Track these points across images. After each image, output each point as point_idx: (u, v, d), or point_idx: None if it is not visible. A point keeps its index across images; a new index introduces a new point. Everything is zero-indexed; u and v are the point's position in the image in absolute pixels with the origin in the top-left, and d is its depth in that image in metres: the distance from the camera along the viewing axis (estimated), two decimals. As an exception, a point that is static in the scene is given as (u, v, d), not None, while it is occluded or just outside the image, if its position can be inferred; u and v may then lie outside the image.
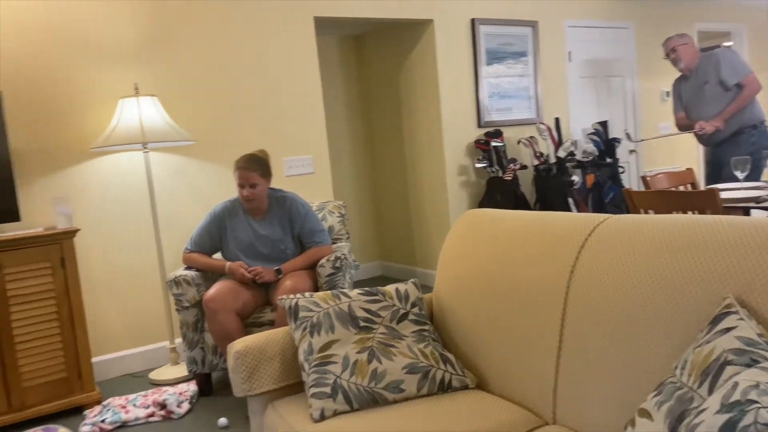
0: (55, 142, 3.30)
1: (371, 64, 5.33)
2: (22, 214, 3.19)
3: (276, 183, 3.96)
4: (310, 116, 4.11)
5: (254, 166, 2.90)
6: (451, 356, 1.74)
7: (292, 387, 1.80)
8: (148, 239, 3.55)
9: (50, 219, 3.28)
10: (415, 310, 1.83)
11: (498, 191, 4.57)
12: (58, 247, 2.89)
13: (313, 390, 1.61)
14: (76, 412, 2.95)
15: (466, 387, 1.70)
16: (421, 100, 4.82)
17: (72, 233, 2.93)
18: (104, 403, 2.93)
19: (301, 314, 1.75)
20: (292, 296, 1.81)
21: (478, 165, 4.58)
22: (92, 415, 2.82)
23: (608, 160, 4.92)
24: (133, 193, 3.51)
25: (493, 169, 4.59)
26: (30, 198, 3.24)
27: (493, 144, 4.59)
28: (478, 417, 1.49)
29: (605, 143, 4.95)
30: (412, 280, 1.94)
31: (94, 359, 3.38)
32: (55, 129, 3.30)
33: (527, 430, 1.47)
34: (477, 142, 4.68)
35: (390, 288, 1.87)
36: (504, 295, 1.65)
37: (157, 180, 3.58)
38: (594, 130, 5.01)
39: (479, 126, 4.80)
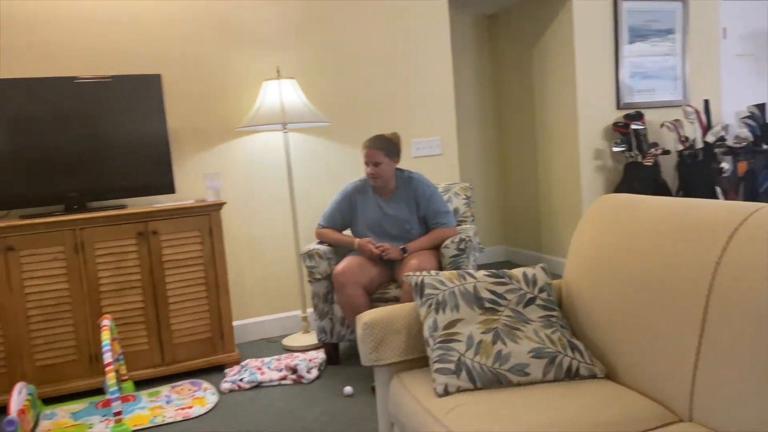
0: (207, 122, 3.59)
1: (504, 43, 5.22)
2: (177, 188, 3.52)
3: (404, 164, 4.03)
4: (439, 97, 4.12)
5: (379, 145, 2.98)
6: (579, 344, 1.69)
7: (417, 361, 1.85)
8: (284, 214, 3.77)
9: (201, 192, 3.58)
10: (543, 295, 1.80)
11: (636, 177, 4.32)
12: (207, 218, 3.15)
13: (437, 365, 1.64)
14: (217, 369, 3.23)
15: (594, 376, 1.65)
16: (555, 80, 4.65)
17: (219, 206, 3.18)
18: (242, 363, 3.17)
19: (427, 291, 1.79)
20: (418, 273, 1.85)
21: (615, 149, 4.35)
22: (232, 373, 3.07)
23: (765, 146, 4.47)
24: (273, 171, 3.73)
25: (632, 154, 4.34)
26: (184, 173, 3.55)
27: (633, 127, 4.34)
28: (607, 407, 1.45)
29: (762, 128, 4.50)
30: (541, 264, 1.91)
31: (234, 323, 3.67)
32: (207, 110, 3.58)
33: (660, 424, 1.41)
34: (615, 124, 4.44)
35: (517, 271, 1.86)
36: (640, 285, 1.58)
37: (295, 159, 3.77)
38: (749, 114, 4.57)
39: (618, 108, 4.56)
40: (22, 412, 2.49)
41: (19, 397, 2.52)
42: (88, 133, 3.12)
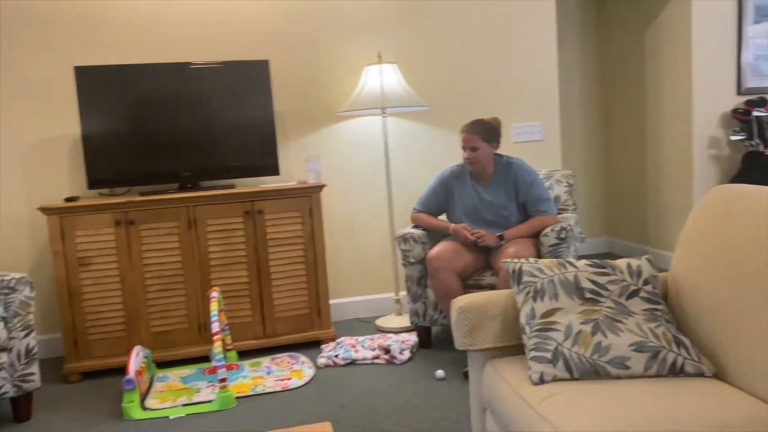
0: (310, 106, 3.70)
1: (613, 25, 4.98)
2: (281, 169, 3.67)
3: (504, 149, 3.96)
4: (542, 82, 4.01)
5: (477, 130, 2.94)
6: (686, 340, 1.61)
7: (512, 348, 1.83)
8: (380, 197, 3.83)
9: (303, 174, 3.71)
10: (648, 287, 1.73)
11: (756, 168, 4.01)
12: (307, 199, 3.27)
13: (533, 353, 1.62)
14: (314, 345, 3.35)
15: (701, 374, 1.57)
16: (669, 64, 4.39)
17: (320, 188, 3.28)
18: (338, 340, 3.28)
19: (525, 279, 1.76)
20: (516, 260, 1.83)
21: (733, 137, 4.06)
22: (328, 349, 3.18)
23: None
24: (371, 155, 3.80)
25: (753, 143, 4.03)
26: (287, 155, 3.69)
27: (755, 114, 4.02)
28: (716, 407, 1.37)
29: None
30: (646, 256, 1.83)
31: (331, 301, 3.79)
32: (311, 94, 3.69)
33: (774, 431, 1.32)
34: (735, 111, 4.14)
35: (621, 262, 1.79)
36: (755, 281, 1.48)
37: (392, 143, 3.82)
38: None
39: (739, 93, 4.24)
40: (138, 372, 2.71)
41: (136, 359, 2.74)
42: (202, 116, 3.31)
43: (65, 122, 3.42)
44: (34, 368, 2.62)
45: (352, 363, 3.05)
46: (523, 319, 1.72)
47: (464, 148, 2.98)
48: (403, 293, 3.84)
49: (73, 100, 3.41)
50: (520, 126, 4.00)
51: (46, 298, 3.45)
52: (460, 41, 3.87)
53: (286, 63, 3.65)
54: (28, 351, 2.59)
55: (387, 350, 3.06)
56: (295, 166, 3.71)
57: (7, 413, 2.72)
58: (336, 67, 3.71)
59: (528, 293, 1.73)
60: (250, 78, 3.35)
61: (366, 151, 3.79)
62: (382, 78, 3.43)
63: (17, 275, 2.59)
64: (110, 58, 3.43)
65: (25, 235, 3.42)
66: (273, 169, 3.41)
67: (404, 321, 3.56)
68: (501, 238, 2.96)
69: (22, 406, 2.62)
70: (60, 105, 3.41)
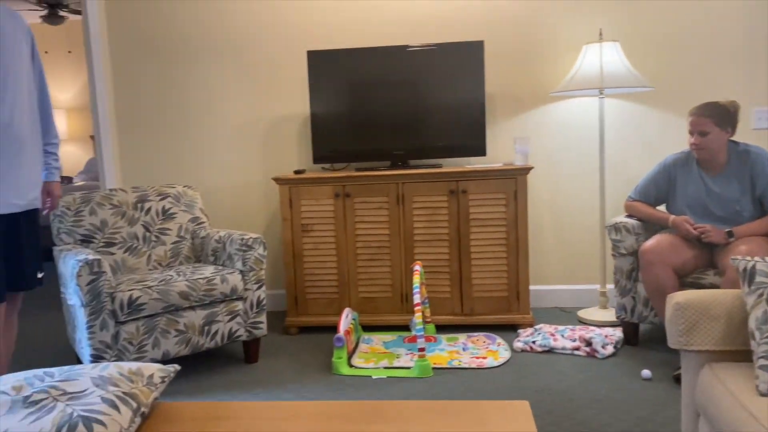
0: (521, 87, 3.64)
1: None
2: (488, 150, 3.68)
3: (741, 136, 3.52)
4: (796, 60, 3.47)
5: (708, 112, 2.65)
6: None
7: (734, 354, 1.65)
8: (591, 183, 3.65)
9: (509, 156, 3.68)
10: None
11: None
12: (513, 181, 3.24)
13: (762, 362, 1.45)
14: (509, 328, 3.34)
15: None
16: None
17: (526, 170, 3.23)
18: (536, 327, 3.22)
19: (758, 279, 1.57)
20: (748, 258, 1.63)
21: None
22: (525, 334, 3.14)
23: None
24: (584, 138, 3.63)
25: None
26: (495, 136, 3.68)
27: None
28: None
29: None
30: None
31: (531, 287, 3.73)
32: (522, 74, 3.63)
33: None
34: None
35: None
36: None
37: (609, 126, 3.60)
38: None
39: None
40: (347, 332, 2.95)
41: (346, 320, 2.99)
42: (415, 97, 3.45)
43: (297, 102, 3.79)
44: (262, 318, 2.99)
45: (550, 351, 2.99)
46: (752, 323, 1.53)
47: (691, 133, 2.72)
48: (609, 286, 3.64)
49: (304, 81, 3.77)
50: (762, 110, 3.52)
51: (274, 257, 3.90)
52: (691, 16, 3.49)
53: (500, 43, 3.63)
54: (259, 302, 2.97)
55: (588, 342, 2.94)
56: (502, 147, 3.69)
57: (239, 354, 3.15)
58: (551, 46, 3.60)
59: (761, 295, 1.54)
60: (463, 59, 3.39)
61: (579, 134, 3.64)
62: (602, 57, 3.24)
63: (254, 235, 2.97)
64: (335, 42, 3.72)
65: (260, 201, 3.89)
66: (480, 150, 3.44)
67: (609, 315, 3.38)
68: (730, 234, 2.65)
69: (251, 349, 3.01)
70: (293, 86, 3.79)
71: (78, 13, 6.24)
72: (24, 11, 6.37)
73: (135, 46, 3.85)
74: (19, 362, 3.14)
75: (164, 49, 3.84)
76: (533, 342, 3.02)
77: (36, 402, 1.30)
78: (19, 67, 2.15)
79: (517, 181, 3.24)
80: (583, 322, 3.40)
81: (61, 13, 6.30)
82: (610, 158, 3.63)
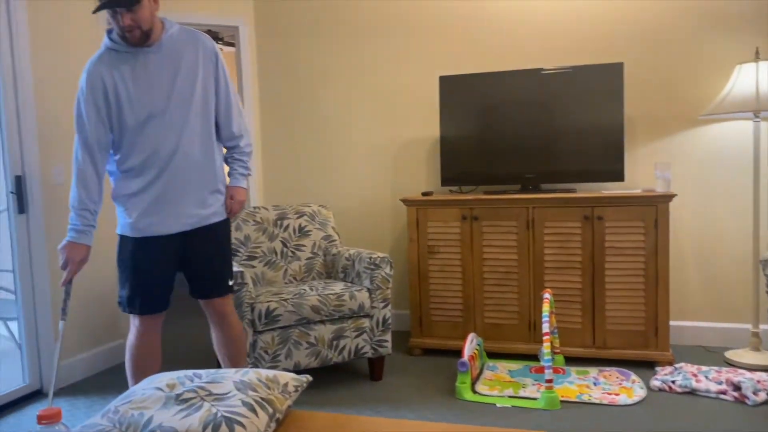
0: (664, 110, 3.45)
1: None
2: (626, 175, 3.51)
3: None
4: None
5: None
6: None
7: None
8: (743, 213, 3.35)
9: (649, 181, 3.48)
10: None
11: None
12: (653, 209, 3.06)
13: None
14: (645, 365, 3.13)
15: None
16: None
17: (669, 197, 3.04)
18: (676, 365, 3.00)
19: None
20: None
21: None
22: (663, 372, 2.93)
23: None
24: (735, 164, 3.35)
25: None
26: (634, 161, 3.51)
27: None
28: None
29: None
30: None
31: (671, 322, 3.48)
32: (666, 97, 3.44)
33: None
34: None
35: None
36: None
37: (765, 152, 3.30)
38: None
39: None
40: (471, 358, 2.92)
41: (470, 345, 2.96)
42: (547, 120, 3.38)
43: (427, 125, 3.86)
44: (387, 336, 3.04)
45: (691, 393, 2.76)
46: None
47: None
48: (764, 326, 3.30)
49: (435, 105, 3.83)
50: None
51: (399, 277, 3.97)
52: None
53: (641, 64, 3.46)
54: (384, 320, 3.03)
55: (737, 387, 2.68)
56: (641, 172, 3.50)
57: (364, 370, 3.22)
58: (699, 66, 3.38)
59: None
60: (601, 81, 3.28)
61: (729, 160, 3.36)
62: (758, 77, 2.99)
63: (381, 254, 3.04)
64: (467, 66, 3.75)
65: (388, 221, 3.98)
66: (617, 175, 3.29)
67: (763, 358, 3.06)
68: None
69: (376, 366, 3.08)
70: (423, 110, 3.86)
71: (231, 45, 6.82)
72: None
73: (279, 74, 4.13)
74: (169, 362, 3.44)
75: (305, 78, 4.08)
76: (673, 381, 2.81)
77: (186, 400, 1.42)
78: (192, 91, 2.27)
79: (658, 209, 3.05)
80: (731, 364, 3.11)
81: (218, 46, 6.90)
82: (765, 186, 3.31)
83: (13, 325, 3.84)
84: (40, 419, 1.25)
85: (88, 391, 3.12)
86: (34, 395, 3.06)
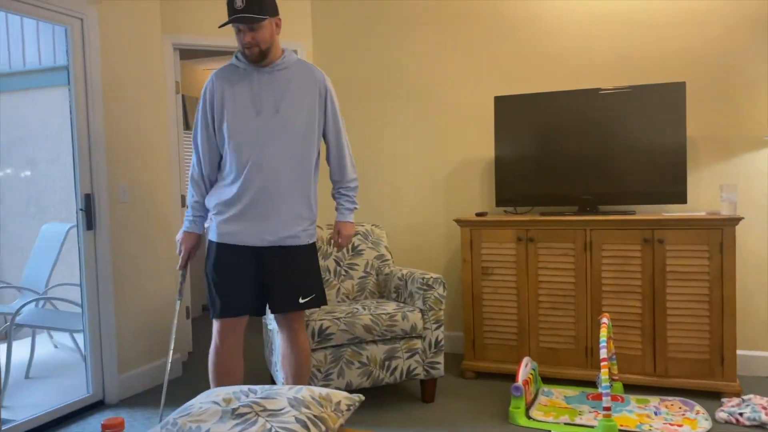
0: (729, 130, 3.33)
1: None
2: (689, 197, 3.39)
3: None
4: None
5: None
6: None
7: None
8: (817, 238, 3.18)
9: (714, 204, 3.35)
10: None
11: None
12: (718, 232, 2.94)
13: None
14: (710, 396, 2.99)
15: None
16: None
17: (735, 221, 2.92)
18: (744, 397, 2.85)
19: None
20: None
21: None
22: (730, 404, 2.79)
23: None
24: (807, 186, 3.20)
25: None
26: (697, 182, 3.39)
27: None
28: None
29: None
30: None
31: (738, 351, 3.32)
32: (730, 116, 3.32)
33: None
34: None
35: None
36: None
37: (840, 173, 3.14)
38: None
39: None
40: (526, 382, 2.86)
41: (525, 369, 2.90)
42: (605, 141, 3.31)
43: (482, 145, 3.85)
44: (440, 358, 3.01)
45: (760, 426, 2.62)
46: None
47: None
48: (840, 358, 3.11)
49: (489, 125, 3.82)
50: None
51: (452, 299, 3.93)
52: None
53: (703, 82, 3.36)
54: (437, 342, 3.00)
55: (812, 422, 2.52)
56: (704, 195, 3.38)
57: (416, 392, 3.20)
58: (762, 86, 3.25)
59: None
60: (661, 102, 3.20)
61: (800, 182, 3.21)
62: (831, 95, 2.86)
63: (434, 275, 3.03)
64: (523, 86, 3.73)
65: (441, 242, 3.97)
66: (679, 197, 3.18)
67: (840, 393, 2.88)
68: None
69: (428, 388, 3.05)
70: (478, 129, 3.85)
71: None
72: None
73: (337, 91, 4.20)
74: (223, 377, 3.50)
75: (358, 96, 4.14)
76: (740, 414, 2.67)
77: (242, 415, 1.45)
78: (296, 116, 2.35)
79: (723, 233, 2.94)
80: (805, 398, 2.94)
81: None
82: (842, 210, 3.14)
83: (79, 338, 4.01)
84: (105, 428, 1.30)
85: (147, 403, 3.21)
86: (97, 405, 3.17)
